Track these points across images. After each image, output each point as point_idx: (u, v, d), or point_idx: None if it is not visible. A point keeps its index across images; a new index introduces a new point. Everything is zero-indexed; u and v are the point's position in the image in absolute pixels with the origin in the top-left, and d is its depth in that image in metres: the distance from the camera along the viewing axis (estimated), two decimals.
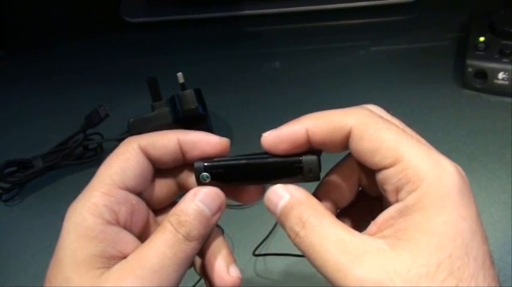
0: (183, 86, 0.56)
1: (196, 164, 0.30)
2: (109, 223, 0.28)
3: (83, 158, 0.59)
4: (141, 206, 0.30)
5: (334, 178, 0.31)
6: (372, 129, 0.27)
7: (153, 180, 0.31)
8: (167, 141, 0.30)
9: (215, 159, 0.30)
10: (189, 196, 0.29)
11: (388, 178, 0.26)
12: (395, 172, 0.26)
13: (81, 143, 0.58)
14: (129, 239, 0.28)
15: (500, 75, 0.60)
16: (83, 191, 0.29)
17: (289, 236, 0.28)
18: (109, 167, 0.29)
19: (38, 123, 0.65)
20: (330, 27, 0.75)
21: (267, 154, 0.30)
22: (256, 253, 0.49)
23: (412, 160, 0.26)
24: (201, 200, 0.29)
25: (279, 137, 0.29)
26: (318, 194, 0.31)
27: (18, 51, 0.76)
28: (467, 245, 0.24)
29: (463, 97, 0.63)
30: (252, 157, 0.30)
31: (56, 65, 0.73)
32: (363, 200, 0.32)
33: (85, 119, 0.58)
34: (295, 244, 0.27)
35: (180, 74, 0.56)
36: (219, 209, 0.30)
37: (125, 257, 0.28)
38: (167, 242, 0.27)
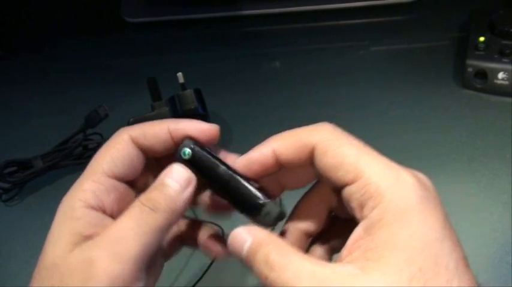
0: (183, 86, 0.56)
1: (187, 140, 0.31)
2: (93, 208, 0.29)
3: (83, 158, 0.59)
4: (129, 194, 0.31)
5: (303, 206, 0.32)
6: (334, 145, 0.28)
7: (146, 169, 0.32)
8: (158, 130, 0.31)
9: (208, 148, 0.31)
10: (161, 173, 0.30)
11: (351, 194, 0.27)
12: (357, 188, 0.26)
13: (81, 143, 0.58)
14: (110, 223, 0.29)
15: (500, 75, 0.60)
16: (77, 180, 0.30)
17: (259, 279, 0.27)
18: (100, 157, 0.31)
19: (38, 123, 0.65)
20: (330, 27, 0.75)
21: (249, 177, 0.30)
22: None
23: (373, 175, 0.26)
24: (170, 176, 0.30)
25: (249, 161, 0.30)
26: (288, 226, 0.32)
27: (18, 51, 0.76)
28: (437, 255, 0.25)
29: (463, 97, 0.63)
30: (232, 170, 0.30)
31: (56, 65, 0.73)
32: (337, 224, 0.32)
33: (85, 119, 0.58)
34: (268, 285, 0.27)
35: (180, 74, 0.56)
36: (188, 183, 0.30)
37: None
38: (130, 214, 0.28)
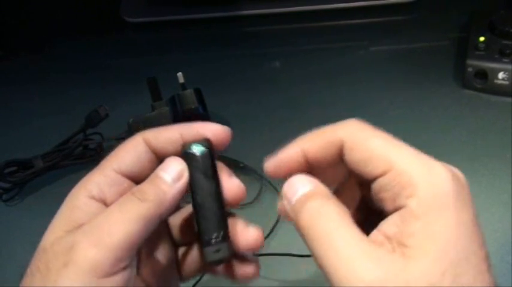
0: (183, 86, 0.56)
1: (202, 140, 0.31)
2: (94, 198, 0.29)
3: (83, 158, 0.59)
4: None
5: (342, 197, 0.31)
6: (361, 139, 0.28)
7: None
8: (170, 132, 0.31)
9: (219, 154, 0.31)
10: (158, 167, 0.31)
11: (383, 186, 0.27)
12: (389, 180, 0.26)
13: (81, 143, 0.58)
14: None
15: (501, 75, 0.60)
16: (89, 172, 0.31)
17: (299, 228, 0.27)
18: (111, 154, 0.31)
19: (38, 123, 0.65)
20: (330, 27, 0.75)
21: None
22: (256, 253, 0.49)
23: (404, 166, 0.26)
24: (162, 168, 0.30)
25: (278, 162, 0.30)
26: None
27: (18, 51, 0.76)
28: (466, 251, 0.25)
29: (463, 97, 0.63)
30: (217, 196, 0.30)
31: (56, 65, 0.73)
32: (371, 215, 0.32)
33: (85, 119, 0.58)
34: (306, 237, 0.27)
35: (180, 74, 0.56)
36: (180, 176, 0.30)
37: None
38: (119, 202, 0.29)
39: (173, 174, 0.30)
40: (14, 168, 0.57)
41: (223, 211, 0.30)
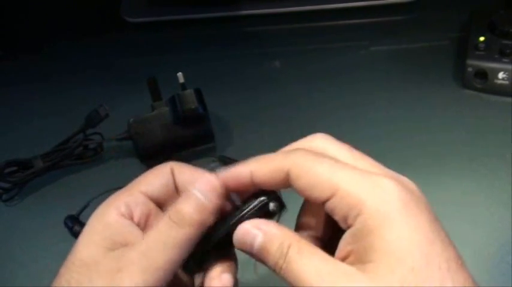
0: (183, 86, 0.56)
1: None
2: (123, 215, 0.31)
3: (83, 158, 0.59)
4: (159, 213, 0.33)
5: (308, 214, 0.32)
6: (306, 167, 0.29)
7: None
8: (196, 173, 0.34)
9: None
10: (190, 187, 0.32)
11: (333, 209, 0.28)
12: (336, 202, 0.27)
13: (81, 143, 0.58)
14: (138, 233, 0.31)
15: (501, 75, 0.60)
16: (117, 192, 0.33)
17: (273, 270, 0.29)
18: (141, 179, 0.34)
19: (38, 123, 0.65)
20: (330, 27, 0.75)
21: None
22: None
23: (348, 186, 0.27)
24: (197, 188, 0.31)
25: (227, 177, 0.31)
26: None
27: (18, 51, 0.76)
28: (427, 255, 0.25)
29: (463, 97, 0.62)
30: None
31: (56, 65, 0.73)
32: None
33: (85, 119, 0.58)
34: (282, 277, 0.29)
35: (180, 74, 0.56)
36: (216, 197, 0.31)
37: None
38: (158, 227, 0.30)
39: (207, 192, 0.31)
40: (14, 168, 0.57)
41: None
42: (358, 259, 0.26)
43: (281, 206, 0.31)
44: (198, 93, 0.56)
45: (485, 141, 0.57)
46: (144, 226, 0.32)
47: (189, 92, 0.55)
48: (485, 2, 0.71)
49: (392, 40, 0.72)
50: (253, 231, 0.29)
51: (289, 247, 0.28)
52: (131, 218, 0.32)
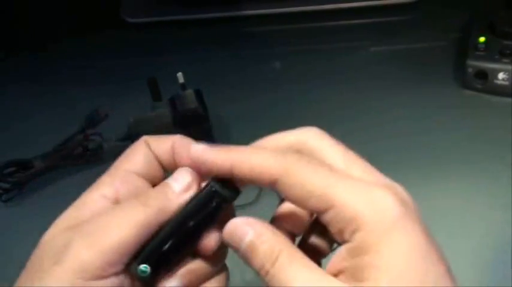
0: (183, 86, 0.56)
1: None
2: (105, 197, 0.29)
3: (83, 158, 0.59)
4: (146, 190, 0.31)
5: (288, 206, 0.30)
6: (299, 177, 0.26)
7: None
8: (167, 144, 0.31)
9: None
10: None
11: (327, 221, 0.26)
12: (332, 216, 0.26)
13: (81, 143, 0.58)
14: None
15: (501, 75, 0.60)
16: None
17: (257, 272, 0.27)
18: (122, 157, 0.31)
19: (38, 123, 0.65)
20: (330, 27, 0.75)
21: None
22: None
23: (346, 202, 0.25)
24: (173, 176, 0.30)
25: (202, 161, 0.29)
26: (273, 225, 0.30)
27: (18, 51, 0.76)
28: (422, 273, 0.25)
29: (463, 97, 0.63)
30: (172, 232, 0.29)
31: (55, 65, 0.73)
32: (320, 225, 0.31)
33: (85, 119, 0.58)
34: (265, 281, 0.27)
35: (180, 74, 0.56)
36: (188, 188, 0.29)
37: None
38: (121, 205, 0.28)
39: (182, 184, 0.29)
40: (14, 168, 0.57)
41: (175, 254, 0.29)
42: (353, 275, 0.25)
43: (231, 198, 0.29)
44: (198, 93, 0.56)
45: (485, 141, 0.57)
46: None
47: (189, 92, 0.56)
48: (485, 2, 0.71)
49: (392, 40, 0.72)
50: (244, 228, 0.28)
51: (279, 253, 0.26)
52: (116, 200, 0.29)
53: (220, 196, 0.29)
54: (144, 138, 0.32)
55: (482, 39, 0.62)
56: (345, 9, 0.74)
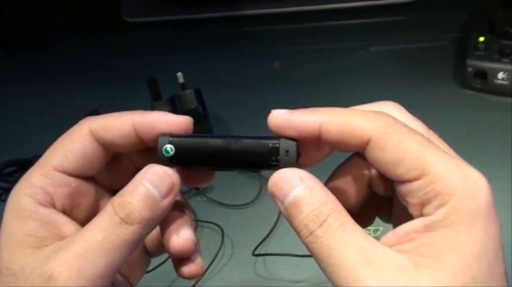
0: (183, 86, 0.56)
1: (162, 136, 0.27)
2: (42, 204, 0.26)
3: None
4: (85, 190, 0.28)
5: (342, 180, 0.28)
6: (395, 139, 0.24)
7: (111, 164, 0.29)
8: (120, 123, 0.28)
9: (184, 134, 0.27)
10: (138, 175, 0.26)
11: (412, 191, 0.24)
12: (421, 185, 0.24)
13: None
14: (65, 221, 0.26)
15: (500, 75, 0.60)
16: (26, 172, 0.28)
17: (299, 232, 0.24)
18: (52, 150, 0.28)
19: (38, 123, 0.65)
20: (330, 27, 0.75)
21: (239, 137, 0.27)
22: (256, 253, 0.49)
23: (441, 173, 0.24)
24: (149, 180, 0.26)
25: (289, 123, 0.27)
26: None
27: (18, 51, 0.76)
28: (491, 266, 0.23)
29: (463, 97, 0.63)
30: (225, 136, 0.27)
31: (56, 65, 0.73)
32: (370, 196, 0.29)
33: None
34: (306, 243, 0.24)
35: (180, 74, 0.56)
36: (170, 191, 0.26)
37: (62, 239, 0.26)
38: (100, 224, 0.25)
39: (163, 188, 0.26)
40: (14, 168, 0.57)
41: (201, 165, 0.27)
42: (418, 250, 0.23)
43: (297, 147, 0.26)
44: (198, 93, 0.56)
45: (485, 141, 0.57)
46: (70, 209, 0.27)
47: (189, 92, 0.56)
48: (485, 2, 0.71)
49: (392, 40, 0.72)
50: (293, 180, 0.25)
51: (329, 215, 0.24)
52: (52, 205, 0.26)
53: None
54: (88, 124, 0.28)
55: (481, 39, 0.62)
56: (345, 9, 0.74)
